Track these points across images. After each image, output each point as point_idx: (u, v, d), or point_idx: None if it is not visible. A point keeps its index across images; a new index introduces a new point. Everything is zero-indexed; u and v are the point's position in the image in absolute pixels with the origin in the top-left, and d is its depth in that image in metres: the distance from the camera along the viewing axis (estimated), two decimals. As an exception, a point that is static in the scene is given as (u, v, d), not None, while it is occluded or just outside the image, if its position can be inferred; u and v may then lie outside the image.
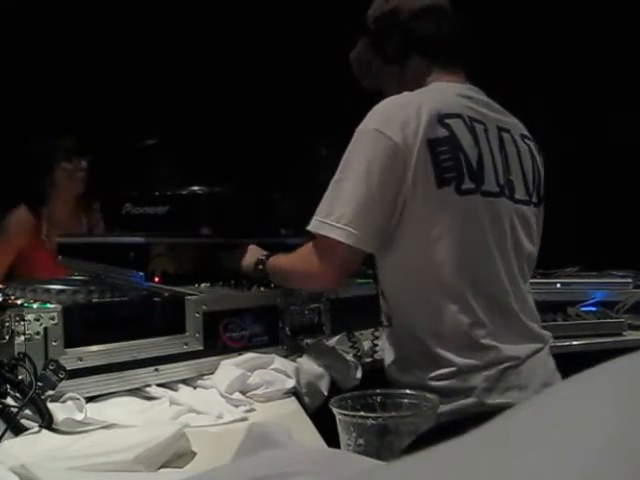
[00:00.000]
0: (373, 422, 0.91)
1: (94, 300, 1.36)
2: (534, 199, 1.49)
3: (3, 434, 0.97)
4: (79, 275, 1.66)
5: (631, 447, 0.29)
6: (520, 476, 0.30)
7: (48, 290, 1.36)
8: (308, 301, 1.62)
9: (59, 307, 1.21)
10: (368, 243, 1.32)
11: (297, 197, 2.08)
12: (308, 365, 1.43)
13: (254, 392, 1.31)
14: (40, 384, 1.10)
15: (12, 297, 1.33)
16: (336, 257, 1.33)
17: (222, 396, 1.26)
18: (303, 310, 1.61)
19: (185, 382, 1.34)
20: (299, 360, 1.46)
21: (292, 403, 1.32)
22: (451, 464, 0.33)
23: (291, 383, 1.36)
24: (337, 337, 1.62)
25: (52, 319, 1.18)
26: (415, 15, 1.46)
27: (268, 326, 1.53)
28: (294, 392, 1.36)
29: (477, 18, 3.00)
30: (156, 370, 1.31)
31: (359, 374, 1.51)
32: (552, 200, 1.61)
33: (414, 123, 1.29)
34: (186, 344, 1.37)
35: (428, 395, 1.02)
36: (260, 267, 1.57)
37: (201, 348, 1.39)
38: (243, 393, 1.30)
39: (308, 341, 1.58)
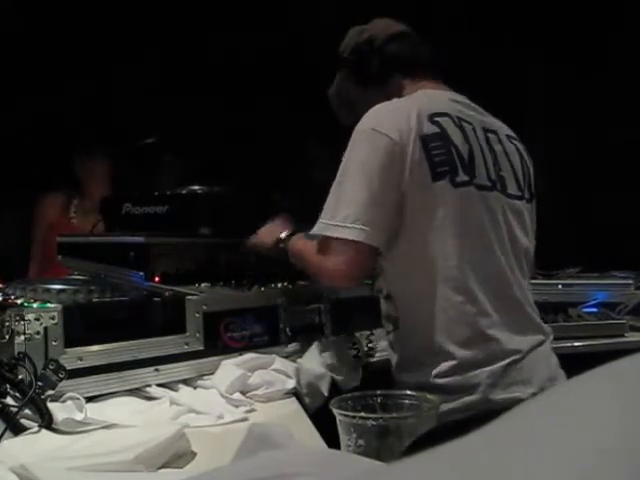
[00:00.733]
0: (373, 423, 0.91)
1: (94, 300, 1.36)
2: (526, 195, 1.53)
3: (3, 434, 0.97)
4: (79, 275, 1.66)
5: (633, 448, 0.29)
6: (522, 476, 0.29)
7: (48, 290, 1.36)
8: (309, 301, 1.62)
9: (59, 307, 1.21)
10: (376, 238, 1.33)
11: (297, 197, 2.08)
12: (308, 366, 1.43)
13: (254, 392, 1.31)
14: (40, 384, 1.10)
15: (12, 297, 1.33)
16: (347, 256, 1.34)
17: (222, 396, 1.26)
18: (304, 310, 1.61)
19: (185, 382, 1.34)
20: (299, 360, 1.46)
21: (292, 404, 1.32)
22: (452, 465, 0.33)
23: (291, 383, 1.36)
24: (338, 337, 1.62)
25: (52, 319, 1.18)
26: (390, 39, 1.54)
27: (269, 326, 1.52)
28: (294, 392, 1.36)
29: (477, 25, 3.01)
30: (156, 370, 1.30)
31: (359, 375, 1.51)
32: (554, 201, 1.61)
33: (406, 122, 1.34)
34: (186, 344, 1.37)
35: (429, 396, 1.02)
36: (281, 245, 1.57)
37: (201, 348, 1.39)
38: (243, 393, 1.30)
39: (309, 341, 1.58)
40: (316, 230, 1.36)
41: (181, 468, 0.95)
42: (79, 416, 1.07)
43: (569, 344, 1.86)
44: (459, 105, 1.46)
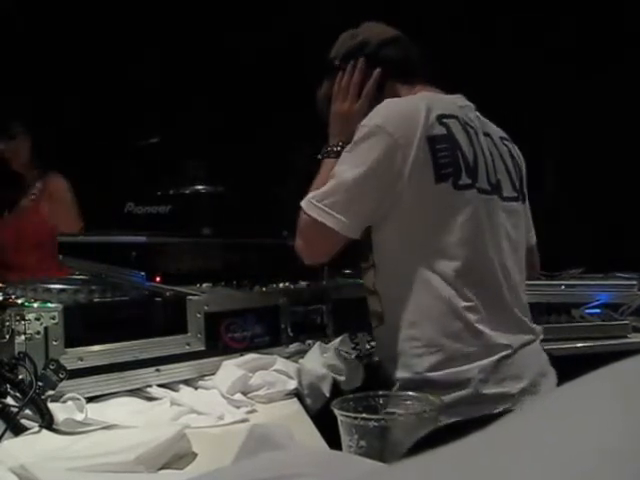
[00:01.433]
0: (375, 424, 0.90)
1: (95, 300, 1.36)
2: (520, 196, 1.55)
3: (3, 434, 0.97)
4: (80, 274, 1.66)
5: (635, 449, 0.29)
6: (523, 477, 0.29)
7: (49, 289, 1.36)
8: (310, 302, 1.62)
9: (60, 306, 1.21)
10: (353, 231, 1.37)
11: (298, 197, 2.08)
12: (310, 366, 1.43)
13: (255, 393, 1.30)
14: (40, 384, 1.10)
15: (13, 296, 1.33)
16: (319, 237, 1.38)
17: (223, 397, 1.26)
18: (305, 311, 1.61)
19: (186, 383, 1.34)
20: (301, 361, 1.46)
21: (294, 404, 1.31)
22: (453, 466, 0.33)
23: (293, 384, 1.36)
24: (339, 338, 1.61)
25: (53, 319, 1.18)
26: (383, 44, 1.54)
27: (270, 327, 1.52)
28: (296, 393, 1.36)
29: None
30: (157, 370, 1.30)
31: (361, 375, 1.50)
32: (557, 202, 1.61)
33: (414, 120, 1.35)
34: (188, 344, 1.36)
35: (430, 397, 1.02)
36: (320, 156, 1.54)
37: (202, 348, 1.39)
38: (244, 394, 1.29)
39: (310, 342, 1.58)
40: (303, 205, 1.38)
41: (182, 469, 0.94)
42: (79, 416, 1.07)
43: (572, 345, 1.86)
44: (463, 109, 1.48)
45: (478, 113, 1.53)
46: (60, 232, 2.30)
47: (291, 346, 1.55)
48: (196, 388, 1.34)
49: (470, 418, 1.26)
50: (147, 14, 3.08)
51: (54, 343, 1.17)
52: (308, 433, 1.11)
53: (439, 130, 1.37)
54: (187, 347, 1.36)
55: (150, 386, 1.28)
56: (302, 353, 1.52)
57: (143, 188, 2.26)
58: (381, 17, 1.61)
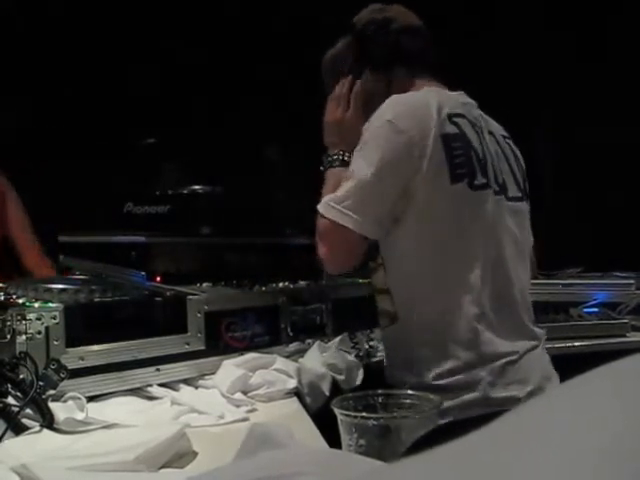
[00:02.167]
0: (375, 423, 0.91)
1: (96, 299, 1.36)
2: (524, 195, 1.53)
3: (4, 433, 0.97)
4: (81, 274, 1.66)
5: (634, 448, 0.29)
6: (523, 476, 0.29)
7: (50, 289, 1.36)
8: (310, 301, 1.62)
9: (61, 306, 1.21)
10: (371, 231, 1.34)
11: (299, 196, 2.08)
12: (310, 365, 1.43)
13: (255, 392, 1.31)
14: (41, 383, 1.10)
15: (14, 296, 1.33)
16: (340, 241, 1.35)
17: (223, 396, 1.26)
18: (305, 310, 1.61)
19: (186, 382, 1.34)
20: (301, 360, 1.46)
21: (293, 403, 1.32)
22: (453, 465, 0.33)
23: (293, 383, 1.36)
24: (339, 337, 1.61)
25: (53, 318, 1.18)
26: (406, 29, 1.51)
27: (270, 326, 1.52)
28: (296, 392, 1.36)
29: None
30: (157, 370, 1.30)
31: (361, 374, 1.50)
32: (555, 201, 1.61)
33: (427, 118, 1.32)
34: (188, 344, 1.37)
35: (430, 395, 1.02)
36: (325, 166, 1.53)
37: (203, 348, 1.39)
38: (244, 393, 1.29)
39: (310, 341, 1.58)
40: (320, 207, 1.36)
41: (182, 468, 0.94)
42: (80, 416, 1.07)
43: (570, 344, 1.86)
44: (466, 106, 1.45)
45: (480, 111, 1.51)
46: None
47: (291, 345, 1.56)
48: (196, 387, 1.34)
49: (470, 417, 1.26)
50: (147, 14, 3.07)
51: (55, 343, 1.17)
52: (308, 432, 1.11)
53: (451, 129, 1.34)
54: (187, 346, 1.36)
55: (150, 385, 1.29)
56: (302, 352, 1.52)
57: (142, 188, 2.26)
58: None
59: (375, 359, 1.59)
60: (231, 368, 1.34)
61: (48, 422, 1.03)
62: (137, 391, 1.27)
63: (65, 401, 1.13)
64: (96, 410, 1.14)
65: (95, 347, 1.23)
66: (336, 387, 1.42)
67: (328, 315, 1.65)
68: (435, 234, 1.34)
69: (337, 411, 0.94)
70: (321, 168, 1.52)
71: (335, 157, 1.50)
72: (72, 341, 1.20)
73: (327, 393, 1.39)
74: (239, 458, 0.72)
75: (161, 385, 1.30)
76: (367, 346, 1.62)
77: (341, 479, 0.52)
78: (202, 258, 1.78)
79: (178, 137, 2.91)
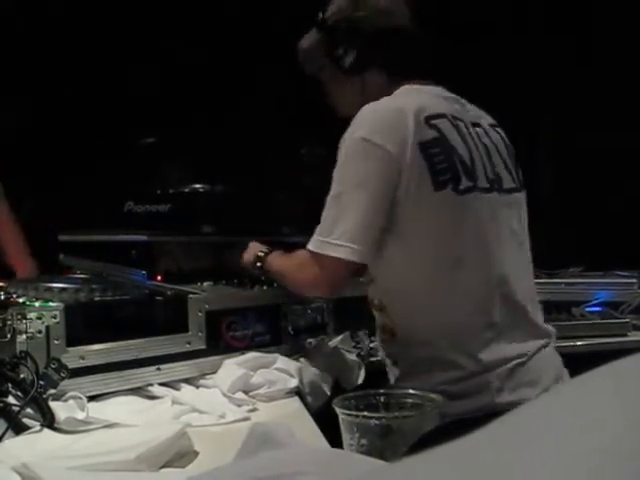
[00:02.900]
0: (376, 422, 0.90)
1: (96, 299, 1.36)
2: (519, 184, 1.49)
3: (4, 433, 0.97)
4: (81, 273, 1.66)
5: (635, 447, 0.29)
6: (524, 476, 0.29)
7: (50, 288, 1.36)
8: (311, 300, 1.62)
9: (61, 305, 1.21)
10: (370, 256, 1.32)
11: (300, 195, 2.08)
12: (311, 364, 1.43)
13: (256, 392, 1.30)
14: (42, 383, 1.10)
15: (14, 295, 1.33)
16: (337, 272, 1.34)
17: (224, 395, 1.26)
18: (306, 309, 1.61)
19: (187, 381, 1.34)
20: (302, 359, 1.46)
21: (295, 403, 1.31)
22: (455, 464, 0.33)
23: (294, 383, 1.36)
24: (340, 336, 1.61)
25: (54, 317, 1.18)
26: (379, 31, 1.42)
27: (271, 325, 1.52)
28: (297, 392, 1.36)
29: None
30: (158, 369, 1.30)
31: (362, 374, 1.50)
32: (557, 200, 1.60)
33: (402, 127, 1.28)
34: (188, 343, 1.36)
35: (432, 395, 1.01)
36: (258, 264, 1.57)
37: (203, 347, 1.38)
38: (245, 393, 1.29)
39: (311, 340, 1.58)
40: (313, 247, 1.33)
41: (183, 467, 0.94)
42: (81, 415, 1.07)
43: (572, 343, 1.85)
44: (448, 101, 1.41)
45: (464, 101, 1.46)
46: None
47: (292, 345, 1.55)
48: (197, 387, 1.34)
49: (471, 417, 1.25)
50: (147, 14, 3.07)
51: (55, 342, 1.17)
52: (309, 431, 1.11)
53: (430, 134, 1.30)
54: (188, 346, 1.36)
55: (151, 385, 1.28)
56: (303, 352, 1.52)
57: (142, 187, 2.25)
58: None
59: (376, 358, 1.59)
60: (232, 367, 1.33)
61: (49, 422, 1.03)
62: (138, 390, 1.27)
63: (66, 400, 1.13)
64: (97, 409, 1.14)
65: (96, 346, 1.23)
66: (337, 386, 1.42)
67: (329, 314, 1.65)
68: (422, 246, 1.32)
69: (338, 410, 0.93)
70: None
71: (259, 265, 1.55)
72: (73, 340, 1.20)
73: (328, 392, 1.39)
74: (240, 458, 0.72)
75: (162, 384, 1.30)
76: (369, 345, 1.61)
77: (342, 479, 0.52)
78: (203, 257, 1.77)
79: (178, 136, 2.91)
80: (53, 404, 1.08)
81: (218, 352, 1.40)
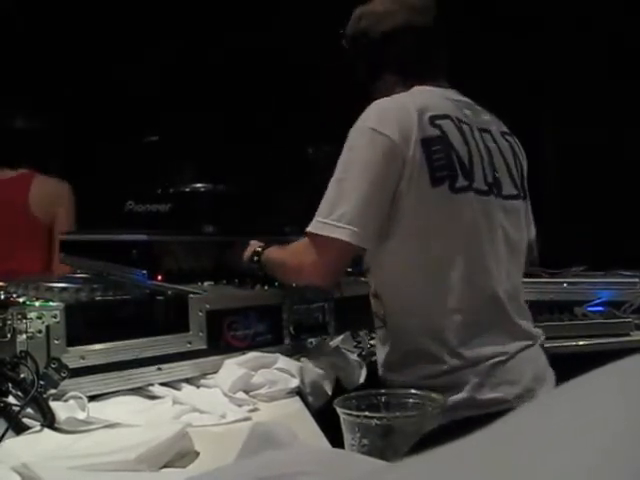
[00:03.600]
0: (377, 422, 0.90)
1: (97, 298, 1.36)
2: (521, 193, 1.51)
3: (5, 433, 0.97)
4: (81, 273, 1.66)
5: (637, 447, 0.28)
6: (525, 476, 0.29)
7: (50, 288, 1.36)
8: (312, 300, 1.62)
9: (61, 305, 1.20)
10: (369, 241, 1.33)
11: (301, 194, 2.08)
12: (312, 364, 1.43)
13: (257, 392, 1.30)
14: (42, 383, 1.09)
15: (14, 295, 1.33)
16: (336, 255, 1.35)
17: (225, 395, 1.25)
18: (307, 309, 1.60)
19: (188, 381, 1.34)
20: (303, 359, 1.46)
21: (296, 403, 1.31)
22: (456, 464, 0.33)
23: (295, 382, 1.36)
24: (341, 336, 1.61)
25: (54, 317, 1.17)
26: (383, 37, 1.47)
27: (272, 325, 1.52)
28: (298, 392, 1.35)
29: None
30: (159, 369, 1.30)
31: (363, 374, 1.50)
32: (559, 199, 1.60)
33: (408, 123, 1.32)
34: (189, 343, 1.36)
35: (433, 395, 1.01)
36: (255, 258, 1.57)
37: (204, 347, 1.38)
38: (246, 392, 1.29)
39: (312, 340, 1.58)
40: (312, 228, 1.35)
41: (184, 467, 0.94)
42: (81, 415, 1.07)
43: (574, 343, 1.85)
44: (457, 104, 1.44)
45: (478, 107, 1.49)
46: None
47: (293, 344, 1.55)
48: (198, 387, 1.33)
49: (472, 416, 1.26)
50: (147, 13, 3.07)
51: (56, 342, 1.17)
52: (310, 431, 1.10)
53: (432, 132, 1.34)
54: (189, 345, 1.36)
55: (152, 385, 1.28)
56: (304, 351, 1.52)
57: (143, 186, 2.25)
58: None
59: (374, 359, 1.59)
60: (233, 367, 1.33)
61: (49, 421, 1.03)
62: (138, 390, 1.27)
63: (66, 400, 1.13)
64: (97, 409, 1.13)
65: (96, 346, 1.23)
66: (339, 386, 1.42)
67: (330, 314, 1.65)
68: (417, 239, 1.34)
69: (340, 410, 0.93)
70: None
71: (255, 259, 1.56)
72: (73, 340, 1.19)
73: (329, 392, 1.39)
74: (241, 458, 0.72)
75: (163, 384, 1.30)
76: (370, 345, 1.61)
77: (343, 479, 0.52)
78: (204, 257, 1.77)
79: (180, 136, 2.91)
80: (53, 404, 1.07)
81: (219, 352, 1.40)
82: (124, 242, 1.70)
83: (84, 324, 1.24)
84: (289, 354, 1.50)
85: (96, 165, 2.88)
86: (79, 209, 2.76)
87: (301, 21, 3.00)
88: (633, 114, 2.90)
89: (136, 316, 1.34)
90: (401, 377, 1.36)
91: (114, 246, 1.73)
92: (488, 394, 1.31)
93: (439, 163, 1.32)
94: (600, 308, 2.08)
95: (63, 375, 1.13)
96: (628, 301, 2.08)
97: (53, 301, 1.25)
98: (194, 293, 1.43)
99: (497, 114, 1.56)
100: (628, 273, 2.25)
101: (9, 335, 1.13)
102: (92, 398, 1.18)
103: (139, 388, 1.27)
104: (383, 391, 1.02)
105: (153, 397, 1.26)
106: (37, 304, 1.23)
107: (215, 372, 1.35)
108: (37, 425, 1.02)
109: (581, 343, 1.87)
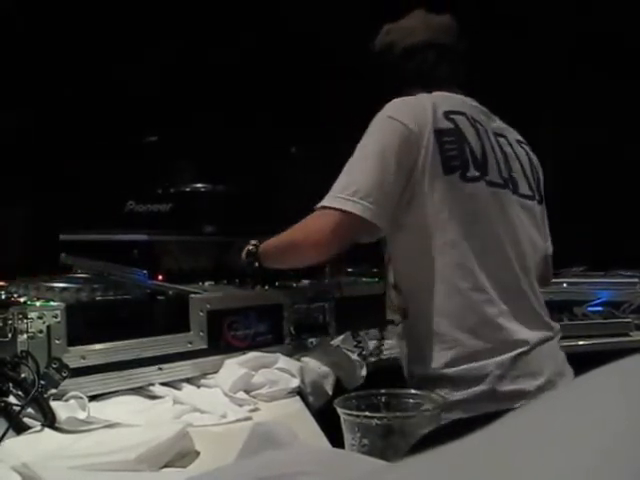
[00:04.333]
0: (378, 422, 0.90)
1: (97, 298, 1.36)
2: (537, 197, 1.55)
3: (5, 433, 0.97)
4: (82, 273, 1.66)
5: (637, 447, 0.28)
6: (525, 476, 0.29)
7: (51, 288, 1.36)
8: (313, 300, 1.62)
9: (62, 305, 1.20)
10: (380, 218, 1.33)
11: (302, 195, 2.08)
12: (313, 364, 1.43)
13: (258, 391, 1.30)
14: (43, 383, 1.09)
15: (15, 295, 1.33)
16: (346, 228, 1.34)
17: (226, 395, 1.26)
18: (308, 309, 1.60)
19: (189, 381, 1.34)
20: (303, 359, 1.46)
21: (296, 402, 1.31)
22: (456, 464, 0.33)
23: (295, 382, 1.36)
24: (342, 336, 1.61)
25: (55, 317, 1.17)
26: (407, 52, 1.54)
27: (272, 325, 1.52)
28: (298, 391, 1.36)
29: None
30: (159, 369, 1.30)
31: (364, 373, 1.50)
32: (559, 200, 1.61)
33: (423, 114, 1.38)
34: (190, 343, 1.36)
35: (433, 395, 1.01)
36: (252, 249, 1.54)
37: (205, 347, 1.38)
38: (247, 392, 1.29)
39: (313, 340, 1.58)
40: (324, 202, 1.35)
41: (184, 467, 0.94)
42: (82, 415, 1.07)
43: (574, 343, 1.86)
44: (473, 108, 1.49)
45: (495, 117, 1.54)
46: None
47: (293, 344, 1.55)
48: (198, 386, 1.33)
49: (472, 416, 1.26)
50: (147, 13, 3.07)
51: (56, 342, 1.17)
52: (311, 431, 1.11)
53: (446, 124, 1.39)
54: (189, 345, 1.36)
55: (152, 385, 1.28)
56: (305, 351, 1.52)
57: (143, 186, 2.25)
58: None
59: (378, 358, 1.59)
60: (233, 367, 1.33)
61: (49, 421, 1.03)
62: (139, 390, 1.27)
63: (67, 400, 1.13)
64: (98, 409, 1.13)
65: (97, 346, 1.23)
66: (339, 386, 1.42)
67: (331, 314, 1.65)
68: (433, 226, 1.36)
69: (340, 410, 0.93)
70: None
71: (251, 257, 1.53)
72: (74, 340, 1.19)
73: (330, 392, 1.39)
74: (241, 458, 0.72)
75: (163, 384, 1.30)
76: (371, 345, 1.61)
77: (343, 479, 0.52)
78: (204, 257, 1.77)
79: (180, 136, 2.91)
80: (54, 404, 1.07)
81: (219, 352, 1.40)
82: (125, 242, 1.70)
83: (85, 324, 1.24)
84: (289, 354, 1.50)
85: (96, 165, 2.87)
86: (80, 209, 2.75)
87: (301, 21, 3.00)
88: (633, 114, 2.89)
89: (137, 316, 1.34)
90: (425, 369, 1.36)
91: (115, 246, 1.73)
92: (509, 386, 1.31)
93: (451, 153, 1.37)
94: (600, 308, 2.08)
95: (64, 375, 1.13)
96: (628, 301, 2.08)
97: (54, 301, 1.25)
98: (195, 293, 1.43)
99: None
100: (628, 273, 2.26)
101: (10, 335, 1.13)
102: (92, 398, 1.18)
103: (139, 388, 1.27)
104: (383, 391, 1.02)
105: (153, 397, 1.26)
106: (38, 304, 1.23)
107: (216, 372, 1.35)
108: (38, 425, 1.02)
109: (581, 343, 1.87)
